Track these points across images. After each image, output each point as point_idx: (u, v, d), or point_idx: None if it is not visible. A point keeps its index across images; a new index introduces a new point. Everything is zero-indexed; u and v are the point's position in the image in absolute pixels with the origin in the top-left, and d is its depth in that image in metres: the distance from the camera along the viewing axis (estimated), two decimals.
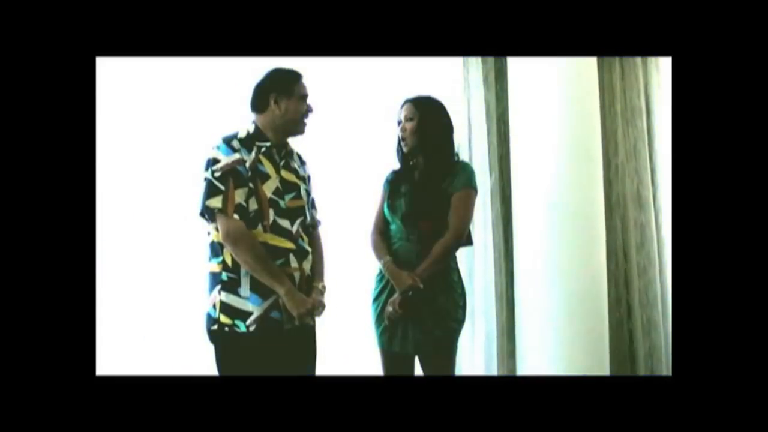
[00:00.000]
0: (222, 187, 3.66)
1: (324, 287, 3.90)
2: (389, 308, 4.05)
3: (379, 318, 4.24)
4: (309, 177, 4.06)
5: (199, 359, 3.94)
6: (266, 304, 3.68)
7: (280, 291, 3.66)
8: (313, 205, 4.03)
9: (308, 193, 3.99)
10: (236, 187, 3.67)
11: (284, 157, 3.90)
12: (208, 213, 3.70)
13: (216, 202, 3.66)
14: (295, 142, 4.01)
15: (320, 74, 4.23)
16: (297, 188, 3.89)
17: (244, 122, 3.88)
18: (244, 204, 3.67)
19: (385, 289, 4.25)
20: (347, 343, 5.26)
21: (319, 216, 4.07)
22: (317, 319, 3.90)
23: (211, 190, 3.68)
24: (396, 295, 4.07)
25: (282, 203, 3.78)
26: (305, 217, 3.88)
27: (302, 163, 4.06)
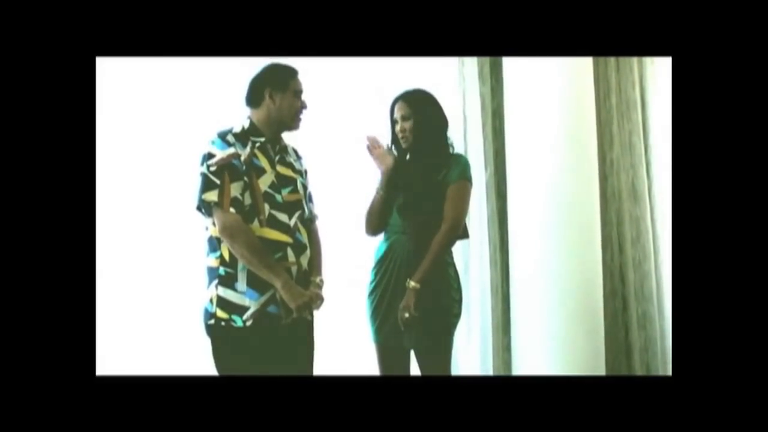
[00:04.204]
0: (217, 181, 3.67)
1: (322, 281, 3.90)
2: (405, 314, 4.02)
3: (375, 312, 4.24)
4: (305, 171, 4.07)
5: (198, 355, 3.93)
6: (263, 299, 3.69)
7: (277, 284, 3.66)
8: (310, 199, 4.04)
9: (305, 187, 3.99)
10: (232, 180, 3.67)
11: (279, 151, 3.90)
12: (204, 207, 3.71)
13: (212, 196, 3.66)
14: (292, 137, 4.02)
15: (314, 68, 4.22)
16: (294, 182, 3.89)
17: (240, 115, 3.89)
18: (240, 198, 3.68)
19: (380, 283, 4.24)
20: (343, 338, 5.26)
21: (316, 210, 4.07)
22: (315, 313, 3.90)
23: (206, 185, 3.69)
24: (404, 300, 4.05)
25: (279, 197, 3.78)
26: (303, 210, 3.89)
27: (298, 157, 4.07)
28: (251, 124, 3.86)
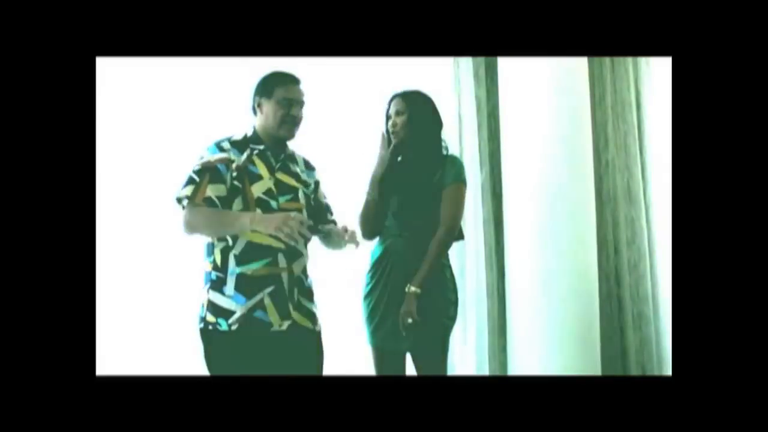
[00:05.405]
0: (197, 179, 3.71)
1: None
2: (408, 320, 4.01)
3: (371, 315, 4.23)
4: (317, 183, 4.08)
5: (197, 355, 3.93)
6: (250, 303, 3.68)
7: (246, 223, 3.62)
8: (328, 210, 4.08)
9: (308, 197, 3.97)
10: (211, 182, 3.69)
11: (283, 160, 3.90)
12: (178, 202, 3.74)
13: (186, 191, 3.71)
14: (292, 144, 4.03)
15: (309, 69, 4.21)
16: (295, 191, 3.89)
17: (242, 120, 3.91)
18: (215, 199, 3.69)
19: (376, 287, 4.22)
20: (339, 341, 5.24)
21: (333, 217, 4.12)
22: (321, 324, 3.89)
23: (186, 182, 3.73)
24: (403, 306, 4.04)
25: (274, 203, 3.77)
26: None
27: (309, 168, 4.07)
28: (254, 131, 3.88)
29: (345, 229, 3.84)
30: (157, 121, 5.34)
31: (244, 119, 3.92)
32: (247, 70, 4.04)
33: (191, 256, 4.28)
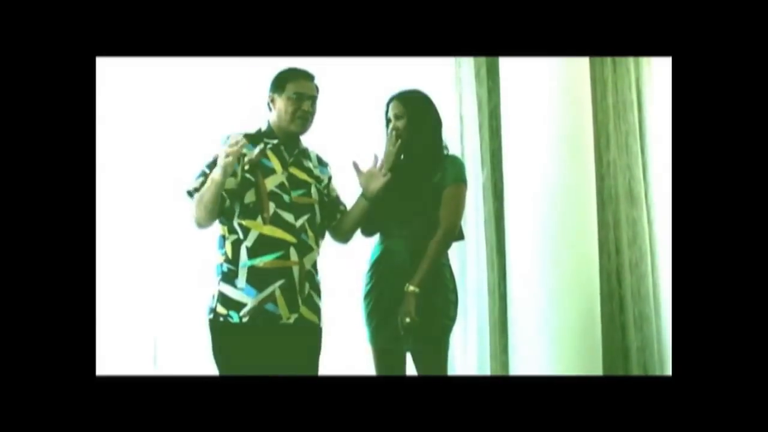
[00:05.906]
0: (207, 171, 3.77)
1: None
2: (406, 319, 4.00)
3: (371, 315, 4.21)
4: (330, 178, 4.13)
5: (198, 354, 3.96)
6: (261, 296, 3.72)
7: (209, 181, 3.69)
8: (339, 201, 4.13)
9: (321, 193, 4.00)
10: None
11: (297, 155, 3.96)
12: (189, 195, 3.81)
13: (195, 184, 3.80)
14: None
15: (311, 73, 4.22)
16: (307, 186, 3.93)
17: (243, 120, 3.96)
18: (223, 193, 3.73)
19: (376, 287, 4.21)
20: (341, 340, 5.25)
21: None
22: (324, 320, 3.94)
23: (198, 175, 3.82)
24: (402, 306, 4.03)
25: (286, 197, 3.82)
26: (314, 214, 3.91)
27: (322, 164, 4.12)
28: (268, 126, 3.96)
29: (375, 158, 4.04)
30: (157, 121, 5.36)
31: (245, 118, 3.95)
32: (247, 71, 4.05)
33: (190, 255, 4.30)
